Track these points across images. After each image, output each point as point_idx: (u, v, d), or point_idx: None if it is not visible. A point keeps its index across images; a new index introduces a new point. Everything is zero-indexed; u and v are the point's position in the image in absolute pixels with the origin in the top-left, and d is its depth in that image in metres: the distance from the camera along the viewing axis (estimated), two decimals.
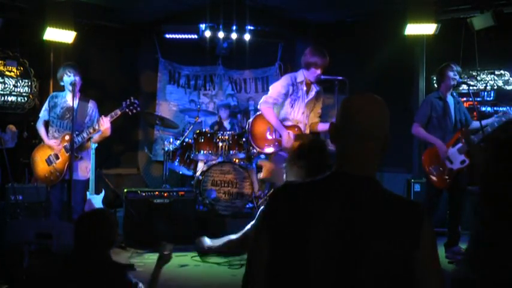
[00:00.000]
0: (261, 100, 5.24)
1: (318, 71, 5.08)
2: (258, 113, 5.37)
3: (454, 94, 5.51)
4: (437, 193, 5.31)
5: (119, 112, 5.44)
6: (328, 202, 1.59)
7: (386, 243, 1.53)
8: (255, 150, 6.02)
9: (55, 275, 2.61)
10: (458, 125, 5.33)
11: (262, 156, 6.18)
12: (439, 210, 5.58)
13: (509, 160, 1.82)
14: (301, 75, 5.18)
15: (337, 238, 1.55)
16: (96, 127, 5.34)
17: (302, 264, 1.57)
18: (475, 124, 5.43)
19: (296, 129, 5.16)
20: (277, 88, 5.17)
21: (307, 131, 5.30)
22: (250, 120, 5.46)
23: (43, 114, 5.56)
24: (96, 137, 5.48)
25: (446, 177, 5.20)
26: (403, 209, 1.61)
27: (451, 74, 5.29)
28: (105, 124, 5.30)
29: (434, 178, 5.26)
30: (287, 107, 5.18)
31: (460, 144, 5.20)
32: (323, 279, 1.56)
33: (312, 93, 5.26)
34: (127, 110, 5.49)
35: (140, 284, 2.67)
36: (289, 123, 5.18)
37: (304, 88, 5.18)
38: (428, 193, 5.50)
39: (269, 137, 5.22)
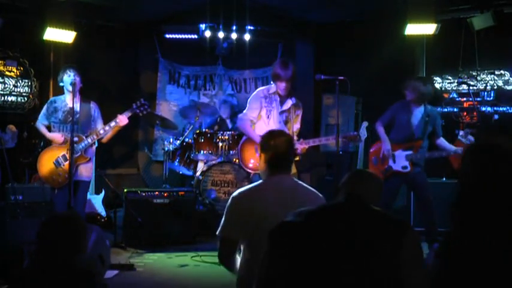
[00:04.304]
0: (239, 116, 5.37)
1: (282, 84, 5.12)
2: (244, 138, 5.45)
3: (429, 108, 5.51)
4: None
5: (129, 114, 5.41)
6: (332, 225, 1.92)
7: (378, 257, 1.79)
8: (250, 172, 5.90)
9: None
10: (418, 135, 5.40)
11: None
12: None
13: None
14: (273, 87, 5.27)
15: (339, 259, 1.83)
16: (112, 123, 5.30)
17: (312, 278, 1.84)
18: (441, 142, 5.48)
19: None
20: (250, 104, 5.29)
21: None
22: (239, 146, 5.51)
23: (41, 119, 5.45)
24: (108, 135, 5.39)
25: (383, 171, 5.36)
26: (388, 224, 1.90)
27: (420, 90, 5.34)
28: (123, 121, 5.30)
29: (371, 167, 5.51)
30: (263, 119, 5.24)
31: (410, 152, 5.33)
32: None
33: (288, 105, 5.28)
34: (138, 111, 5.49)
35: None
36: None
37: (278, 99, 5.25)
38: None
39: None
